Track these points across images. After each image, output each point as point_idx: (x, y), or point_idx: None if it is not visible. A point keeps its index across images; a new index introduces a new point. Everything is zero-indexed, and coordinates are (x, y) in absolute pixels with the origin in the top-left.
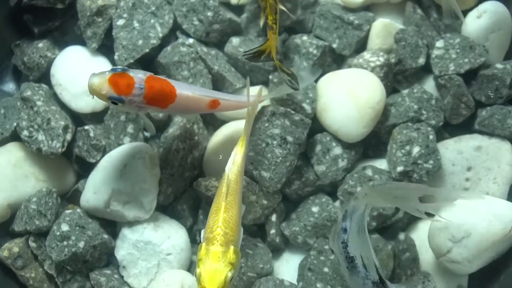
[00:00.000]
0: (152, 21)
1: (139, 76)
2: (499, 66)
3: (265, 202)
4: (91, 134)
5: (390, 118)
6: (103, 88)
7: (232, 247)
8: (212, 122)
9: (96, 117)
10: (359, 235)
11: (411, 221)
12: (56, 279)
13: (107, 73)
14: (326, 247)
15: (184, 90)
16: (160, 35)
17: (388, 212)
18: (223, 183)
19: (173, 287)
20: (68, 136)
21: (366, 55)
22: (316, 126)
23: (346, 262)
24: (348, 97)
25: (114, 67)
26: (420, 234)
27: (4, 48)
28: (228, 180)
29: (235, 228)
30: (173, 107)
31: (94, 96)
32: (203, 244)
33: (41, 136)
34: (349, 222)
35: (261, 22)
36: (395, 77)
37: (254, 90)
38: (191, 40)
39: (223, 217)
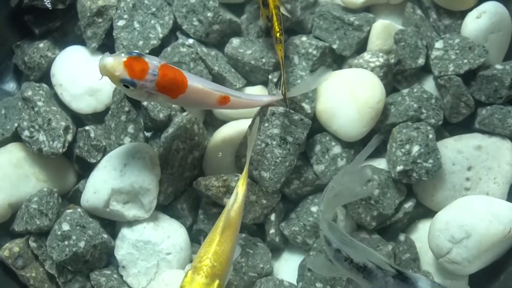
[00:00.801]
0: (153, 21)
1: (153, 62)
2: (498, 67)
3: (264, 201)
4: (92, 135)
5: (390, 117)
6: (117, 69)
7: (217, 281)
8: (212, 122)
9: (97, 117)
10: (351, 246)
11: (411, 221)
12: (57, 279)
13: (122, 55)
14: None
15: (196, 82)
16: (161, 35)
17: (388, 212)
18: (222, 217)
19: (173, 287)
20: (69, 137)
21: (366, 55)
22: (315, 126)
23: (360, 273)
24: (348, 97)
25: (130, 51)
26: (420, 235)
27: (5, 48)
28: (227, 215)
29: (224, 264)
30: (183, 98)
31: (103, 77)
32: (189, 272)
33: (42, 137)
34: (335, 242)
35: (261, 23)
36: (395, 77)
37: (254, 90)
38: (191, 41)
39: (214, 249)
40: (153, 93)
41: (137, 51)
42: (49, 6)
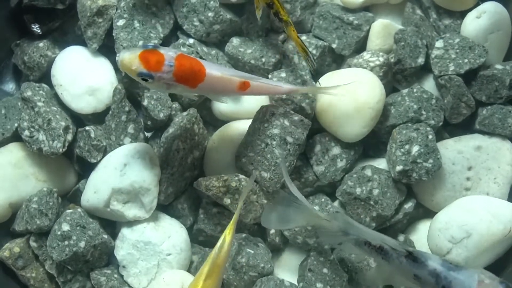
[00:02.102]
0: (153, 21)
1: (169, 53)
2: (498, 66)
3: (265, 201)
4: (92, 135)
5: (390, 118)
6: (133, 63)
7: None
8: (212, 122)
9: (97, 117)
10: (366, 233)
11: (411, 222)
12: (56, 279)
13: (138, 49)
14: (326, 247)
15: (214, 70)
16: (161, 35)
17: (387, 213)
18: (207, 263)
19: (173, 287)
20: (69, 137)
21: (366, 55)
22: (315, 126)
23: (379, 254)
24: (348, 97)
25: (146, 43)
26: (420, 235)
27: (4, 48)
28: (213, 262)
29: None
30: (202, 87)
31: (124, 73)
32: None
33: (42, 136)
34: (353, 231)
35: (258, 15)
36: (395, 76)
37: None
38: (191, 40)
39: None
40: (172, 84)
41: (152, 43)
42: (39, 31)
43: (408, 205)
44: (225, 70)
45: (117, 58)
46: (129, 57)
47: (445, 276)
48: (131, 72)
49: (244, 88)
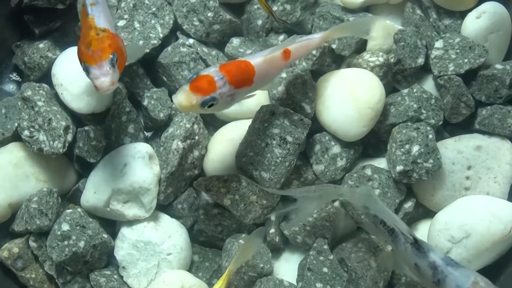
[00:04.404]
0: (153, 21)
1: (211, 70)
2: (498, 66)
3: (264, 201)
4: (92, 135)
5: (390, 117)
6: (190, 99)
7: None
8: (212, 122)
9: (97, 117)
10: (383, 213)
11: (411, 222)
12: (56, 280)
13: (183, 86)
14: (326, 247)
15: (256, 58)
16: (161, 35)
17: None
18: None
19: (173, 287)
20: (69, 137)
21: (366, 55)
22: (315, 126)
23: (390, 236)
24: (348, 97)
25: (186, 78)
26: (420, 235)
27: (5, 48)
28: None
29: None
30: (257, 79)
31: (182, 114)
32: None
33: (42, 136)
34: (372, 206)
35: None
36: (394, 76)
37: None
38: (191, 41)
39: None
40: (234, 93)
41: (193, 73)
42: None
43: (408, 205)
44: (261, 54)
45: (173, 106)
46: (183, 97)
47: (442, 270)
48: (195, 108)
49: (288, 57)
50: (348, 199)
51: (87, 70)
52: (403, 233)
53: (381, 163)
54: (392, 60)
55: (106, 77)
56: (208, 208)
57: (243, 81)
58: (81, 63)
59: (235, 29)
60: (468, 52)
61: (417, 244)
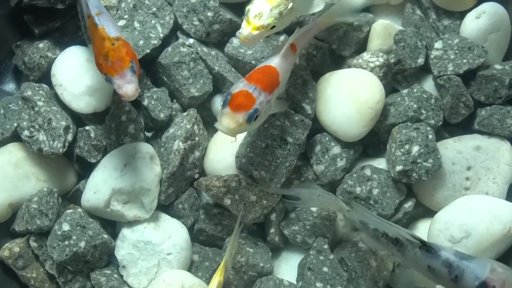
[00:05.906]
0: (153, 21)
1: (241, 85)
2: (498, 66)
3: (264, 202)
4: (92, 135)
5: (390, 117)
6: (237, 118)
7: None
8: (212, 122)
9: (97, 117)
10: (382, 223)
11: (411, 221)
12: (57, 279)
13: (223, 110)
14: (326, 246)
15: (273, 60)
16: (161, 35)
17: (387, 213)
18: None
19: (174, 287)
20: (69, 137)
21: (366, 55)
22: (315, 126)
23: (395, 246)
24: (348, 97)
25: (220, 102)
26: (420, 234)
27: (5, 49)
28: None
29: None
30: (281, 78)
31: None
32: None
33: (42, 136)
34: (370, 220)
35: None
36: (394, 77)
37: None
38: (191, 41)
39: None
40: (270, 99)
41: (225, 95)
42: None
43: (408, 205)
44: (275, 54)
45: (219, 131)
46: (229, 120)
47: (457, 265)
48: (243, 126)
49: (295, 50)
50: (346, 215)
51: (109, 81)
52: (408, 239)
53: (380, 163)
54: (392, 61)
55: (130, 85)
56: (208, 207)
57: (273, 85)
58: (102, 74)
59: (235, 29)
60: (467, 53)
61: (425, 246)
